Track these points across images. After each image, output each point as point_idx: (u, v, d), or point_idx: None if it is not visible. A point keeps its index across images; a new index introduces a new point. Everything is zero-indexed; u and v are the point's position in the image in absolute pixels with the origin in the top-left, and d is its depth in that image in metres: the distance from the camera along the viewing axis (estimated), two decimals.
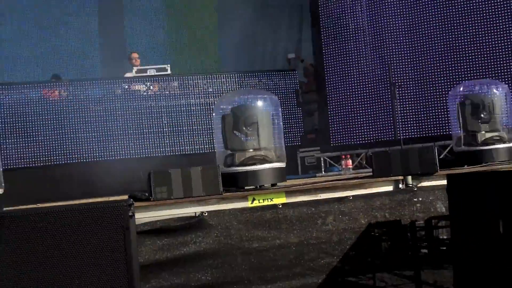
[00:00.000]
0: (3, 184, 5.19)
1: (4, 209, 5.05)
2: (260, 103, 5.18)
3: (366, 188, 4.91)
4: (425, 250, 4.82)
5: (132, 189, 5.77)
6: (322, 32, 7.87)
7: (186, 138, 7.70)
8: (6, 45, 10.43)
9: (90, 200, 5.55)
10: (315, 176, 7.42)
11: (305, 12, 10.38)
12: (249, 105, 5.17)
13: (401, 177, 4.96)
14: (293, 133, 7.86)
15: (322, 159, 7.79)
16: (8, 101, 7.51)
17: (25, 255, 3.35)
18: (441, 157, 6.83)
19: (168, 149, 7.67)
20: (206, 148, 7.66)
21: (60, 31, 10.60)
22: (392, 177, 4.98)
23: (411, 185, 4.94)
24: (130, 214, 3.42)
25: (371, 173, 5.24)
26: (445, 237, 4.77)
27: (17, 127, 7.40)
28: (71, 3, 10.67)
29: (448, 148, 7.06)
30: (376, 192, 4.88)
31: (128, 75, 8.29)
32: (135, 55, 9.01)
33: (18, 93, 7.56)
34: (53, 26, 10.60)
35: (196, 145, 7.71)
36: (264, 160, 4.95)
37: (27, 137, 7.43)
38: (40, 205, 6.18)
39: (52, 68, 10.18)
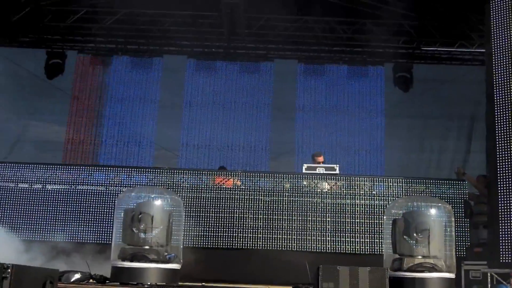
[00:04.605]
0: (181, 260, 5.69)
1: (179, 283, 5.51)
2: (433, 211, 5.21)
3: None
4: None
5: (292, 282, 6.00)
6: (497, 146, 7.70)
7: (348, 238, 7.80)
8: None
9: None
10: None
11: (476, 122, 10.32)
12: (422, 212, 5.21)
13: None
14: (458, 245, 7.62)
15: (489, 274, 7.42)
16: (187, 185, 8.19)
17: None
18: None
19: (329, 246, 7.79)
20: (367, 249, 7.69)
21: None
22: None
23: None
24: None
25: None
26: None
27: (193, 209, 7.96)
28: None
29: None
30: None
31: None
32: (320, 158, 9.29)
33: (195, 178, 8.24)
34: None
35: (357, 246, 7.76)
36: (433, 269, 4.93)
37: (200, 220, 7.94)
38: (205, 284, 6.61)
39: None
